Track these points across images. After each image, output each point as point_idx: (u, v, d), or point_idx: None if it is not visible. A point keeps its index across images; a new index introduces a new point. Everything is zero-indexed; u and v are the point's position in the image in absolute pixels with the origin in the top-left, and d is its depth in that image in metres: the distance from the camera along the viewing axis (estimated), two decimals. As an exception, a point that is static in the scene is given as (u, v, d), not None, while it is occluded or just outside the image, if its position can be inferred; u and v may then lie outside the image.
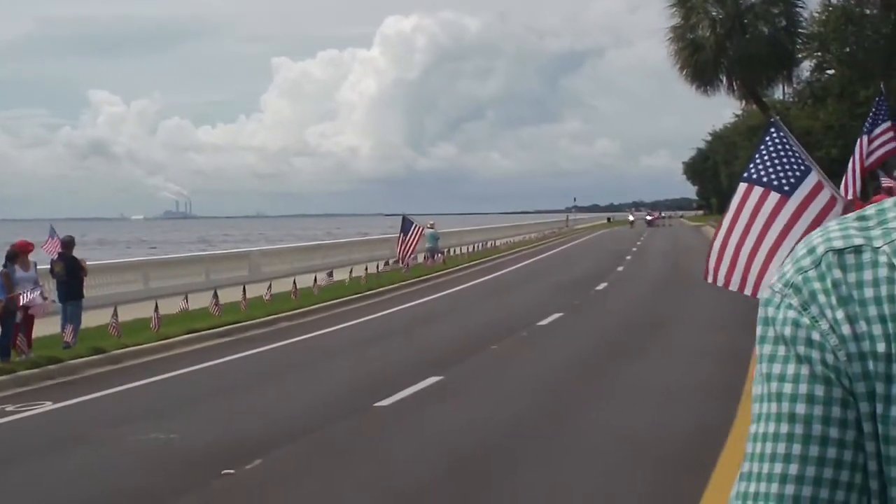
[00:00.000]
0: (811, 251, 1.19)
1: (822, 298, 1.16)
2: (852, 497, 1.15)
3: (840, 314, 1.15)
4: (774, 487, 1.18)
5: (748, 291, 9.37)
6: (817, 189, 9.27)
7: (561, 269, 45.15)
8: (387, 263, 40.98)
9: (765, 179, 9.34)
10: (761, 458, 1.20)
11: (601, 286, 33.58)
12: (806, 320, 1.17)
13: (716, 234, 9.88)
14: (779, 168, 9.34)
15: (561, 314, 24.61)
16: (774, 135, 9.53)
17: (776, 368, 1.22)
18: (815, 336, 1.17)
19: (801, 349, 1.19)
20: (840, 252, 1.16)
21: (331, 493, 9.49)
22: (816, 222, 9.13)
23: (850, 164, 19.97)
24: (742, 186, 9.53)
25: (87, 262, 21.89)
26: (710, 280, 9.63)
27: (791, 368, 1.19)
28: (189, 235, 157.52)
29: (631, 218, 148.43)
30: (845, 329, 1.15)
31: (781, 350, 1.22)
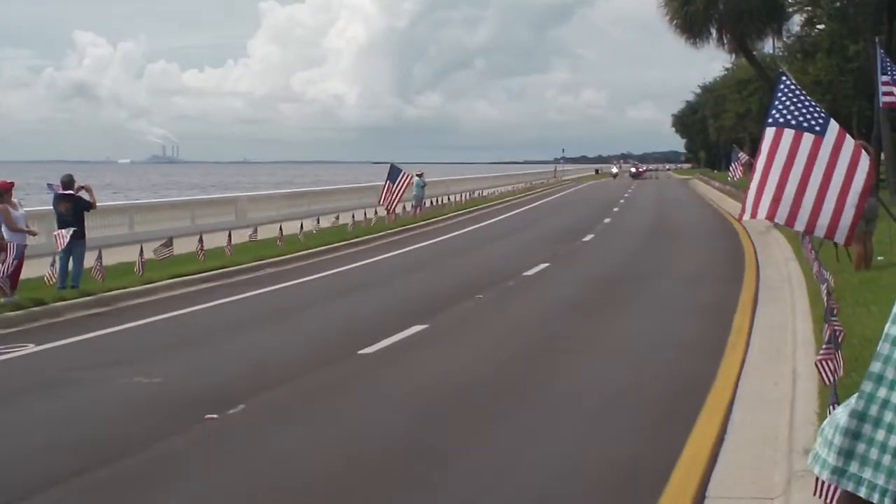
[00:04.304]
0: None
1: None
2: None
3: None
4: None
5: (799, 227, 9.44)
6: (843, 135, 9.31)
7: (548, 219, 45.15)
8: (376, 213, 40.86)
9: (793, 122, 9.38)
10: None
11: (588, 237, 33.59)
12: None
13: (751, 177, 9.91)
14: (803, 110, 9.39)
15: (547, 265, 24.61)
16: (788, 81, 9.57)
17: None
18: None
19: None
20: None
21: (314, 439, 9.50)
22: (853, 166, 9.16)
23: None
24: (771, 131, 9.56)
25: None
26: (748, 217, 9.70)
27: None
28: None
29: (615, 170, 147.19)
30: None
31: None
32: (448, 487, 7.95)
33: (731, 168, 56.51)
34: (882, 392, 1.56)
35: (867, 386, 1.59)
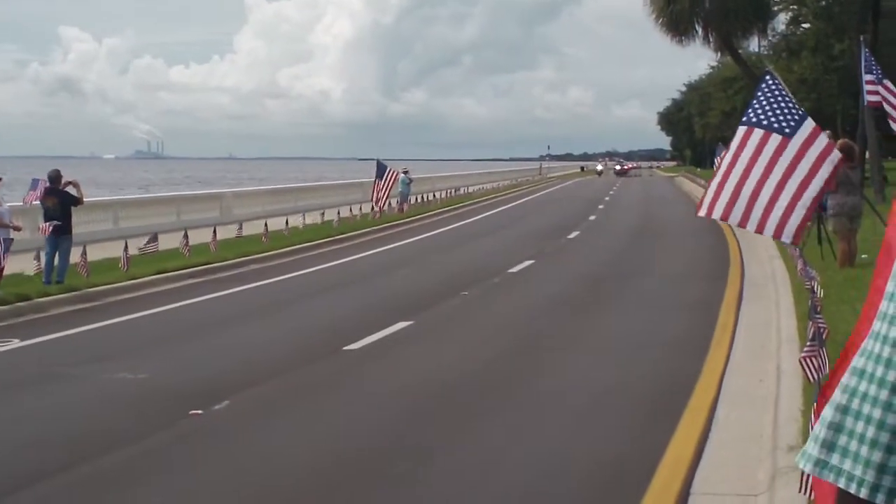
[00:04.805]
0: None
1: None
2: None
3: None
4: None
5: (751, 228, 9.50)
6: (815, 133, 9.34)
7: (533, 216, 45.18)
8: (360, 209, 40.92)
9: (765, 122, 9.42)
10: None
11: (573, 234, 33.63)
12: None
13: (715, 173, 9.96)
14: (777, 112, 9.43)
15: (532, 262, 24.63)
16: (770, 82, 9.62)
17: None
18: None
19: None
20: None
21: (298, 435, 9.49)
22: (816, 167, 9.22)
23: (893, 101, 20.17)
24: (742, 130, 9.62)
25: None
26: (703, 214, 9.74)
27: None
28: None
29: (599, 167, 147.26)
30: None
31: None
32: (433, 485, 7.95)
33: (715, 166, 56.61)
34: (863, 385, 1.60)
35: (851, 380, 1.62)
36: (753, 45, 59.68)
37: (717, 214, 9.62)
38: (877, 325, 1.62)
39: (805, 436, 7.57)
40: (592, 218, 42.74)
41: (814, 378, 7.92)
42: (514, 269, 23.06)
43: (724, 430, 9.11)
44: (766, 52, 55.71)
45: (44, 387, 11.75)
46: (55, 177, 20.12)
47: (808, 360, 8.35)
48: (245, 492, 7.86)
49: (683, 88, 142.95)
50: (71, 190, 20.13)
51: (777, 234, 9.45)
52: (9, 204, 20.45)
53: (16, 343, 14.60)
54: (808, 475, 5.63)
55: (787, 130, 9.38)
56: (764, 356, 12.10)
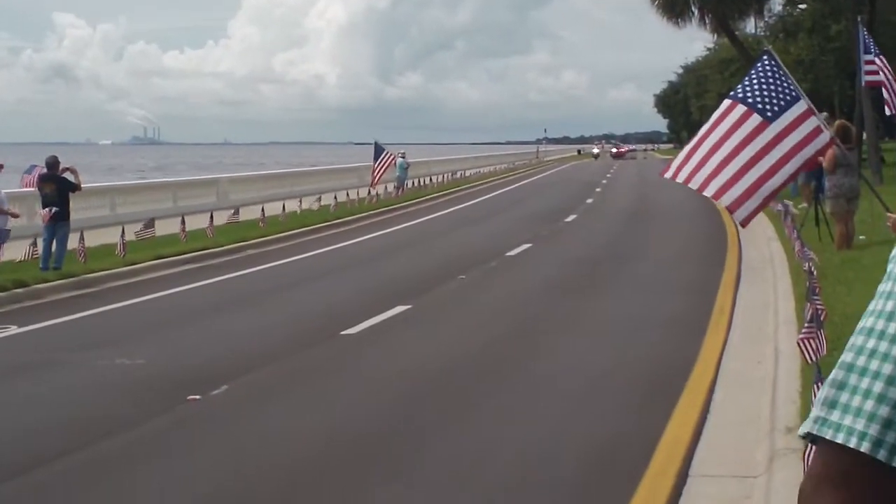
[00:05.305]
0: None
1: None
2: None
3: None
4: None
5: (709, 193, 9.55)
6: (805, 116, 9.33)
7: (530, 200, 45.13)
8: (357, 194, 40.93)
9: (750, 100, 9.42)
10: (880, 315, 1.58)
11: (570, 218, 33.61)
12: None
13: (689, 140, 10.01)
14: (766, 93, 9.44)
15: (530, 245, 24.61)
16: (767, 62, 9.62)
17: None
18: None
19: None
20: None
21: (296, 420, 9.49)
22: (799, 147, 9.24)
23: (888, 80, 20.12)
24: (726, 102, 9.63)
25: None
26: (668, 176, 9.77)
27: None
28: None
29: (595, 150, 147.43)
30: None
31: None
32: (430, 468, 7.95)
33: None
34: (871, 342, 1.57)
35: (857, 339, 1.59)
36: (750, 26, 59.59)
37: (681, 178, 9.66)
38: (882, 286, 1.59)
39: (804, 417, 7.57)
40: (589, 201, 42.71)
41: (812, 360, 7.93)
42: (512, 253, 23.04)
43: (721, 412, 9.11)
44: (762, 34, 55.58)
45: (41, 373, 11.75)
46: (53, 163, 20.09)
47: (805, 342, 8.36)
48: (243, 476, 7.86)
49: (680, 70, 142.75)
50: (68, 176, 20.11)
51: (731, 209, 9.50)
52: (6, 190, 20.41)
53: (13, 330, 14.58)
54: (810, 455, 5.63)
55: (769, 114, 9.38)
56: (762, 338, 12.10)
